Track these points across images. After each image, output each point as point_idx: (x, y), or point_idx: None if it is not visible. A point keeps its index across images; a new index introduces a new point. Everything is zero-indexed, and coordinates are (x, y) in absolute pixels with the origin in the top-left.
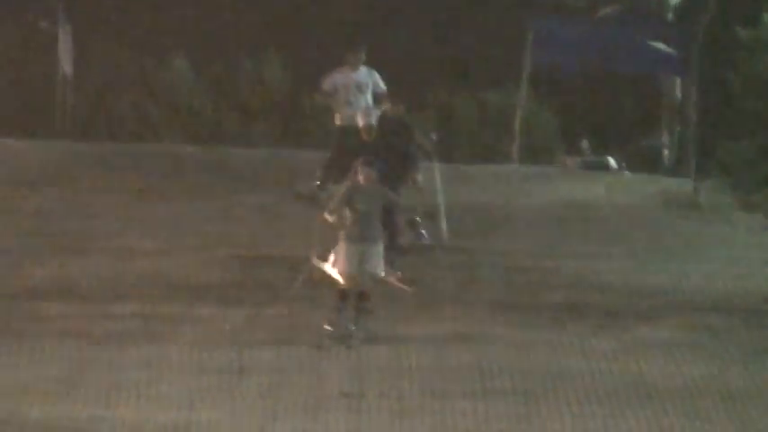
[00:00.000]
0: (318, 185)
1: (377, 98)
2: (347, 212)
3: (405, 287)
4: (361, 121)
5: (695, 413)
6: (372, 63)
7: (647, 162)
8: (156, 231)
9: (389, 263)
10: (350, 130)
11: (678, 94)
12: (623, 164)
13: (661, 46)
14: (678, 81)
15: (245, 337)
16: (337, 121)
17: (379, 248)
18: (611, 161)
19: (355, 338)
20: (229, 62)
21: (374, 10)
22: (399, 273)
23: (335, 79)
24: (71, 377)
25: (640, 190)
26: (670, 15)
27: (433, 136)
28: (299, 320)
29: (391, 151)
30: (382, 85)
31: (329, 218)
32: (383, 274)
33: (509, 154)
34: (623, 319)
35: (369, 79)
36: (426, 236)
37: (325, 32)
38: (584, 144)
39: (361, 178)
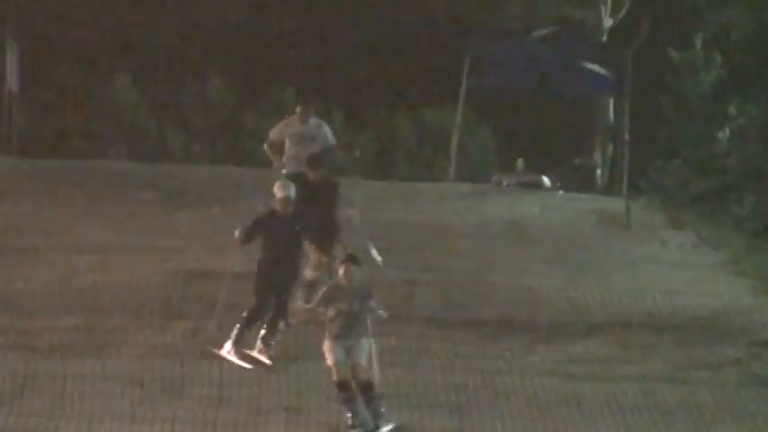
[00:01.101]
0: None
1: (327, 151)
2: (329, 311)
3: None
4: (278, 193)
5: (626, 428)
6: (314, 82)
7: (580, 181)
8: (99, 246)
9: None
10: (292, 179)
11: (611, 114)
12: (558, 183)
13: (595, 67)
14: (611, 102)
15: (186, 350)
16: (283, 170)
17: (365, 343)
18: (546, 180)
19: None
20: (173, 81)
21: (316, 29)
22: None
23: (284, 129)
24: (14, 390)
25: (574, 208)
26: (604, 37)
27: (357, 152)
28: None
29: (321, 218)
30: (332, 140)
31: (312, 315)
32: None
33: (446, 171)
34: (557, 336)
35: (319, 132)
36: None
37: (267, 54)
38: (520, 163)
39: (342, 276)
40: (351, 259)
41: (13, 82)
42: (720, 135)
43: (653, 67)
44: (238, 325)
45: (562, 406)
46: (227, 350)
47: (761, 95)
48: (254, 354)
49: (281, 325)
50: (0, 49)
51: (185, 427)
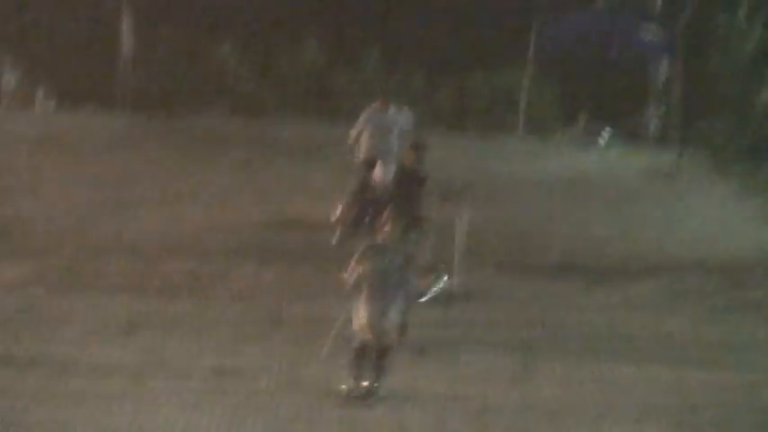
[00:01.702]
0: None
1: (406, 137)
2: (366, 270)
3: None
4: (377, 176)
5: (675, 363)
6: (389, 48)
7: (635, 136)
8: (202, 196)
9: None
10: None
11: (664, 75)
12: (614, 137)
13: (651, 34)
14: (665, 62)
15: (281, 291)
16: (362, 155)
17: (398, 305)
18: (604, 135)
19: (375, 395)
20: (270, 45)
21: None
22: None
23: (367, 117)
24: (124, 328)
25: (628, 161)
26: (658, 4)
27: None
28: (327, 278)
29: (406, 202)
30: (409, 126)
31: (346, 280)
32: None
33: (515, 128)
34: (612, 279)
35: (398, 118)
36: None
37: (354, 20)
38: (582, 119)
39: (379, 235)
40: (386, 219)
41: (126, 46)
42: (764, 93)
43: (702, 31)
44: None
45: (615, 342)
46: None
47: None
48: None
49: None
50: (116, 14)
51: (280, 360)
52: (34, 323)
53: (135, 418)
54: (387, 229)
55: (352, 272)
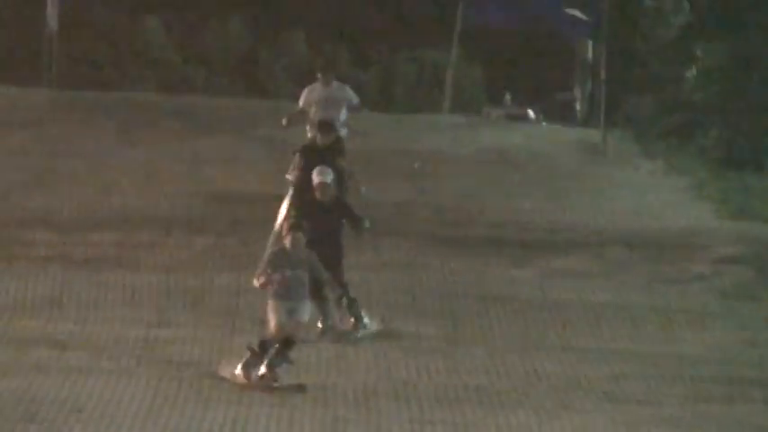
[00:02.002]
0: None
1: (351, 111)
2: (275, 275)
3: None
4: (315, 179)
5: (598, 330)
6: (321, 25)
7: (561, 114)
8: (129, 169)
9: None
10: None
11: (590, 54)
12: (540, 115)
13: (575, 12)
14: (590, 43)
15: (208, 263)
16: (308, 134)
17: (307, 304)
18: (531, 112)
19: (268, 379)
20: (196, 22)
21: None
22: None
23: (309, 96)
24: (53, 298)
25: (556, 138)
26: None
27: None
28: (253, 249)
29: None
30: (355, 100)
31: (256, 283)
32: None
33: (441, 105)
34: (540, 252)
35: (341, 94)
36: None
37: None
38: (507, 97)
39: (287, 243)
40: (295, 227)
41: (52, 22)
42: (688, 74)
43: (628, 13)
44: None
45: (544, 312)
46: None
47: (724, 38)
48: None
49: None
50: None
51: (205, 331)
52: None
53: (61, 389)
54: (294, 236)
55: (259, 277)
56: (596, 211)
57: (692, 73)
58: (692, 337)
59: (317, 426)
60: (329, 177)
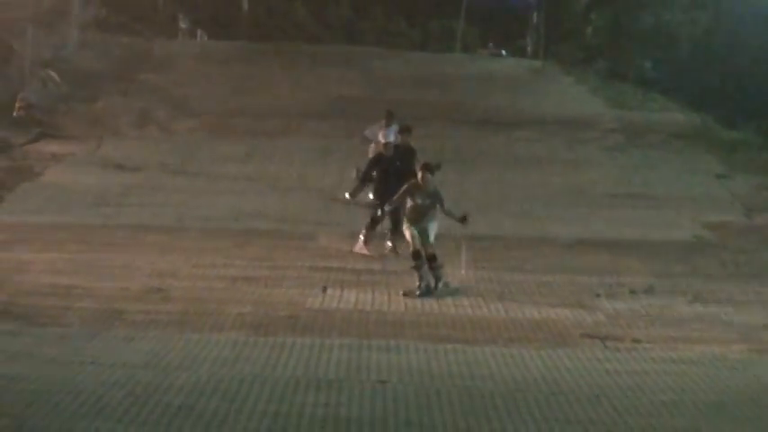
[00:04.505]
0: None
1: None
2: (408, 202)
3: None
4: (382, 139)
5: (542, 169)
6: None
7: (520, 51)
8: None
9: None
10: (379, 157)
11: (535, 19)
12: (508, 53)
13: None
14: (537, 9)
15: None
16: (371, 154)
17: (433, 226)
18: (503, 52)
19: (436, 289)
20: None
21: None
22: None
23: (374, 130)
24: None
25: (516, 65)
26: None
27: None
28: None
29: (403, 167)
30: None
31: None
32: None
33: (454, 48)
34: (507, 126)
35: (393, 132)
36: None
37: None
38: (490, 44)
39: (420, 179)
40: (427, 168)
41: None
42: (588, 30)
43: None
44: (364, 230)
45: (510, 159)
46: (359, 247)
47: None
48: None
49: (393, 230)
50: None
51: None
52: None
53: None
54: (425, 173)
55: (393, 202)
56: (538, 104)
57: (590, 28)
58: (595, 172)
59: None
60: (392, 136)
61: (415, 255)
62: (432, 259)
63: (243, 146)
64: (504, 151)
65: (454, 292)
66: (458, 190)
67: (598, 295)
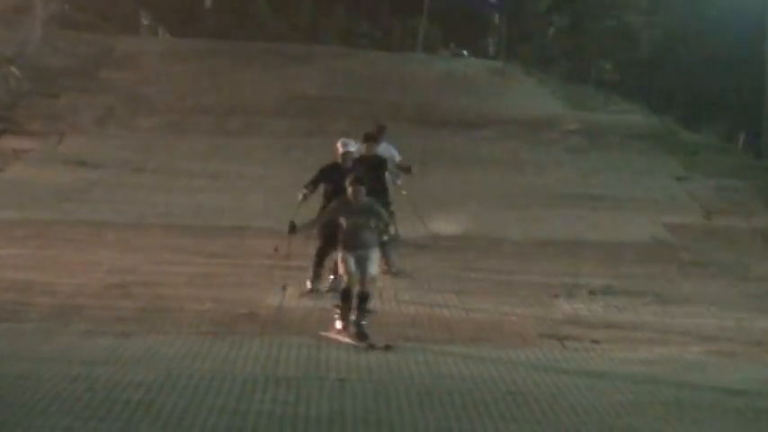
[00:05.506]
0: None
1: (399, 167)
2: (341, 221)
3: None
4: (340, 149)
5: (504, 150)
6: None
7: (482, 52)
8: None
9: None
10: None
11: (497, 20)
12: (470, 53)
13: None
14: (498, 12)
15: None
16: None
17: (375, 253)
18: (465, 53)
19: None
20: None
21: None
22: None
23: (360, 150)
24: None
25: (477, 66)
26: None
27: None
28: None
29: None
30: (398, 157)
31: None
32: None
33: (416, 48)
34: (468, 126)
35: (387, 153)
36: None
37: None
38: (452, 45)
39: (350, 194)
40: (357, 181)
41: None
42: (549, 31)
43: None
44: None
45: (470, 156)
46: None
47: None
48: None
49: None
50: None
51: None
52: None
53: None
54: (356, 188)
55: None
56: (499, 105)
57: (551, 29)
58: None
59: None
60: (351, 146)
61: (345, 294)
62: (363, 299)
63: (204, 144)
64: (465, 151)
65: (412, 288)
66: (418, 189)
67: (557, 296)
